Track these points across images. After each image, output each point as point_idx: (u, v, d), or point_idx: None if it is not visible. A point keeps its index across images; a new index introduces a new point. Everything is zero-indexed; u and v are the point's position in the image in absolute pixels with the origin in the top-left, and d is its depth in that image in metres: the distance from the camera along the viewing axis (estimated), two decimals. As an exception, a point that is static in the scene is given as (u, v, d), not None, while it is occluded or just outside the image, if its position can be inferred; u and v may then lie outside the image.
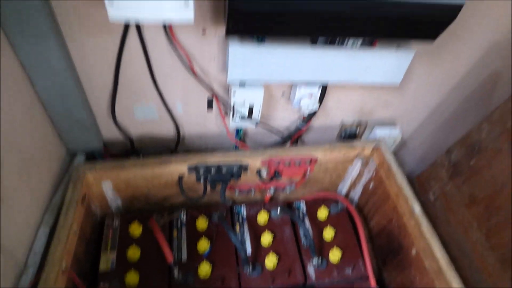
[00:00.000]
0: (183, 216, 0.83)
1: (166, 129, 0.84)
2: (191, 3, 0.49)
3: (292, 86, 0.78)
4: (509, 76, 0.86)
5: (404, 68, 0.74)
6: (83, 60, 0.66)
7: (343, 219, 0.89)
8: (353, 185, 0.96)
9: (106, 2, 0.48)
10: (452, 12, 0.59)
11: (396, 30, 0.61)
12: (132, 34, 0.63)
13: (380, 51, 0.69)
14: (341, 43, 0.67)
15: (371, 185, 0.89)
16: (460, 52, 0.79)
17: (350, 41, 0.67)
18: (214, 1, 0.60)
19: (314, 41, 0.66)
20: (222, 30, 0.65)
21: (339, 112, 0.89)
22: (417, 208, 0.73)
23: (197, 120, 0.83)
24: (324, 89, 0.78)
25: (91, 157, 0.81)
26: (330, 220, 0.88)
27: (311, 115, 0.85)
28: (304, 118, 0.87)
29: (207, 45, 0.67)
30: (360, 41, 0.67)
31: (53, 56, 0.60)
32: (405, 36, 0.64)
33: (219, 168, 0.79)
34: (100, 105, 0.75)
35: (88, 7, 0.58)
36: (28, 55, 0.59)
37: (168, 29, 0.63)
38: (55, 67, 0.62)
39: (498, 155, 0.77)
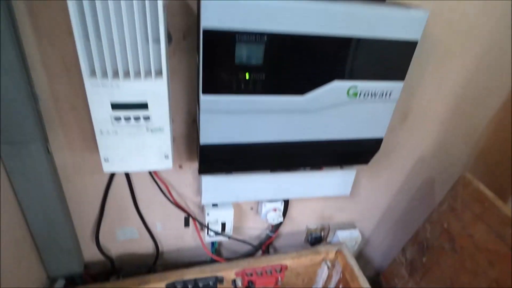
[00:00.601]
0: (160, 336, 0.84)
1: (145, 247, 0.90)
2: (170, 156, 0.62)
3: (258, 203, 0.90)
4: (441, 181, 1.03)
5: (350, 182, 0.89)
6: (74, 193, 0.75)
7: (318, 325, 0.92)
8: (325, 286, 1.01)
9: (102, 159, 0.60)
10: (375, 145, 0.76)
11: (334, 160, 0.77)
12: (120, 174, 0.75)
13: (327, 172, 0.84)
14: (295, 169, 0.82)
15: (340, 286, 0.95)
16: (393, 165, 0.96)
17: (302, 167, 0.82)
18: (188, 145, 0.75)
19: (273, 169, 0.80)
20: (196, 164, 0.79)
21: (303, 219, 1.00)
22: (379, 311, 0.79)
23: (175, 236, 0.91)
24: (286, 203, 0.90)
25: (71, 280, 0.84)
26: (306, 327, 0.91)
27: (278, 225, 0.95)
28: (272, 227, 0.96)
29: (184, 176, 0.80)
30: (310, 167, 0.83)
31: (45, 187, 0.66)
32: (342, 163, 0.80)
33: (196, 283, 0.84)
34: (85, 231, 0.82)
35: (83, 151, 0.70)
36: (21, 184, 0.64)
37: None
38: (47, 197, 0.68)
39: (442, 253, 0.88)
